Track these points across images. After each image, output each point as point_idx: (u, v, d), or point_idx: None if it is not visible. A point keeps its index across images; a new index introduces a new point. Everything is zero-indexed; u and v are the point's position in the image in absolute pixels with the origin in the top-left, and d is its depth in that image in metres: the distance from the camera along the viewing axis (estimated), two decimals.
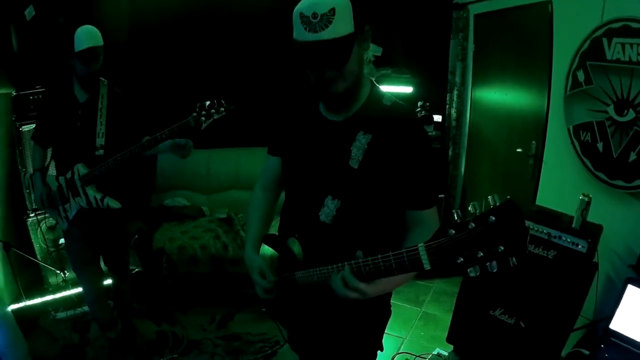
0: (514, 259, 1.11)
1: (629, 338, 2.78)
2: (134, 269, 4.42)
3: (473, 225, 1.15)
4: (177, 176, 4.67)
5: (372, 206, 1.74)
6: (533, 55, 4.06)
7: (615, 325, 2.86)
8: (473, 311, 3.38)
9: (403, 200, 1.71)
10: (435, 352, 3.60)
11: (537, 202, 3.86)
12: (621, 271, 3.19)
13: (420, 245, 1.28)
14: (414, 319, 4.19)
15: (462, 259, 1.18)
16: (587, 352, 2.79)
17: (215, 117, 2.83)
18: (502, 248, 1.11)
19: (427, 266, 1.28)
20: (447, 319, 3.63)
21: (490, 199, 1.21)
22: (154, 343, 3.71)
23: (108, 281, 3.75)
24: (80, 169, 2.98)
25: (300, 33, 1.51)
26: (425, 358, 3.57)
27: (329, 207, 1.76)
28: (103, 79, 3.08)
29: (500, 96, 4.65)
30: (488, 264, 1.14)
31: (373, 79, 1.84)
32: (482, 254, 1.14)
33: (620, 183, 3.16)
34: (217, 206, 4.60)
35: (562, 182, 3.75)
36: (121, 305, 3.68)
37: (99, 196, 3.00)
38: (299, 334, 2.22)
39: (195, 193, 4.71)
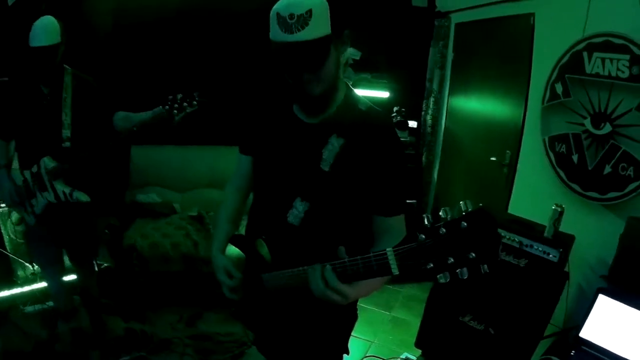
0: (485, 266, 1.07)
1: (599, 346, 2.72)
2: (104, 264, 4.22)
3: (444, 230, 1.11)
4: (151, 172, 4.50)
5: (341, 210, 1.67)
6: (512, 66, 4.01)
7: (586, 333, 2.79)
8: (442, 316, 3.29)
9: (371, 205, 1.65)
10: (403, 357, 3.49)
11: (510, 211, 3.80)
12: (592, 281, 3.15)
13: (388, 249, 1.22)
14: (383, 323, 4.08)
15: (431, 265, 1.13)
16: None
17: (188, 110, 2.69)
18: (474, 255, 1.07)
19: (395, 271, 1.22)
20: (416, 323, 3.53)
21: (462, 205, 1.13)
22: (123, 340, 3.54)
23: (73, 276, 3.58)
24: (47, 162, 2.77)
25: (276, 34, 1.45)
26: None
27: (298, 209, 1.69)
28: (67, 67, 2.85)
29: (477, 105, 4.59)
30: (458, 270, 1.10)
31: (350, 83, 1.76)
32: (452, 260, 1.10)
33: (594, 195, 3.11)
34: (190, 204, 4.44)
35: (535, 192, 3.70)
36: (89, 301, 3.47)
37: (67, 190, 2.80)
38: (264, 337, 2.12)
39: (169, 190, 4.55)
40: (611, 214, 3.10)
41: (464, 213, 1.11)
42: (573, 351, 2.77)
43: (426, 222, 1.16)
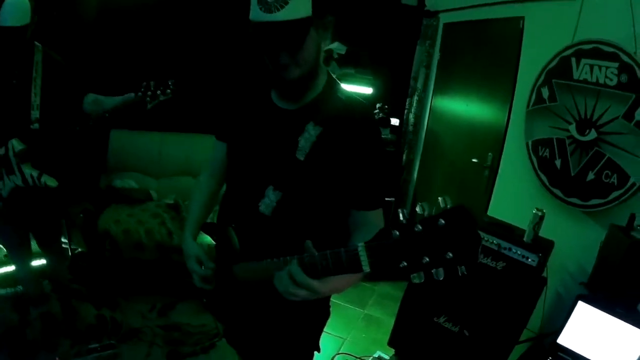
0: (462, 267, 1.01)
1: (577, 353, 2.65)
2: (78, 249, 4.09)
3: (420, 228, 1.04)
4: (128, 157, 4.35)
5: (315, 202, 1.59)
6: (499, 68, 3.93)
7: (563, 340, 2.71)
8: (417, 316, 3.20)
9: (348, 198, 1.58)
10: (376, 355, 3.39)
11: (490, 214, 3.72)
12: (571, 287, 3.09)
13: (360, 244, 1.14)
14: (356, 320, 3.98)
15: (405, 264, 1.06)
16: None
17: (162, 98, 2.59)
18: (451, 255, 1.01)
19: (366, 268, 1.15)
20: (390, 322, 3.45)
21: (441, 201, 1.05)
22: (93, 327, 3.40)
23: (43, 261, 3.44)
24: (15, 144, 2.60)
25: (255, 13, 1.39)
26: None
27: (270, 198, 1.60)
28: (38, 44, 2.68)
29: (461, 106, 4.50)
30: (434, 270, 1.04)
31: (334, 76, 1.68)
32: (427, 259, 1.03)
33: (576, 201, 3.05)
34: (166, 191, 4.29)
35: (516, 196, 3.63)
36: (59, 287, 3.38)
37: (35, 174, 2.64)
38: (234, 329, 2.04)
39: (145, 176, 4.39)
40: (592, 222, 3.05)
41: (442, 210, 1.03)
42: (550, 357, 2.69)
43: (402, 218, 1.09)
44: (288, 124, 1.59)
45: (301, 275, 1.29)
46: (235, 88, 1.81)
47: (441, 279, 1.03)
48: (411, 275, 1.06)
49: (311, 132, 1.55)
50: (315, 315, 1.86)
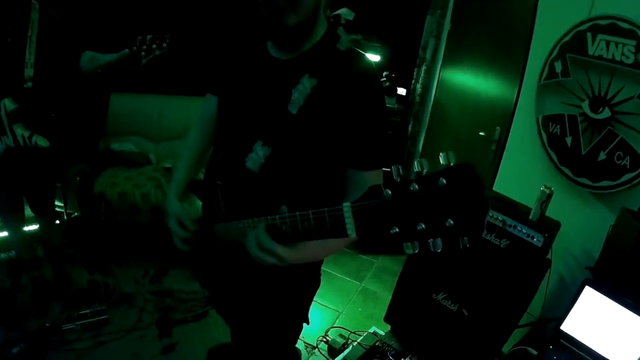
0: (465, 239, 0.82)
1: (580, 342, 2.49)
2: (74, 213, 3.95)
3: (416, 187, 0.85)
4: (128, 121, 4.18)
5: (307, 159, 1.45)
6: (510, 41, 3.68)
7: (567, 327, 2.55)
8: (415, 292, 3.04)
9: (343, 156, 1.42)
10: (371, 331, 3.24)
11: (495, 189, 3.55)
12: (575, 272, 2.93)
13: (345, 204, 0.98)
14: (353, 293, 3.83)
15: (397, 230, 0.88)
16: (535, 352, 2.51)
17: (157, 52, 2.43)
18: (452, 223, 0.81)
19: (351, 233, 0.98)
20: (387, 297, 3.30)
21: (442, 157, 0.86)
22: (85, 292, 3.31)
23: (35, 226, 3.31)
24: (8, 104, 2.46)
25: None
26: (361, 335, 3.20)
27: (258, 154, 1.47)
28: (34, 2, 2.50)
29: (470, 78, 4.25)
30: (431, 240, 0.85)
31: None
32: (423, 226, 0.84)
33: (586, 181, 2.87)
34: (165, 155, 4.12)
35: (522, 172, 3.42)
36: (51, 251, 3.26)
37: (26, 134, 2.51)
38: (219, 296, 1.94)
39: (144, 140, 4.22)
40: (601, 204, 2.86)
41: (444, 168, 0.84)
42: (551, 345, 2.53)
43: (395, 176, 0.91)
44: (281, 75, 1.46)
45: (267, 240, 1.18)
46: (230, 39, 1.66)
47: (438, 251, 0.85)
48: (404, 244, 0.88)
49: (306, 84, 1.40)
50: (303, 284, 1.74)
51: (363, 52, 1.47)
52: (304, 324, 1.82)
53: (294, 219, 1.11)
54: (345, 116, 1.36)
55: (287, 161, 1.45)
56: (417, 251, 0.87)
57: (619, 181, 2.70)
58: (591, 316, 2.48)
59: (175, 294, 3.40)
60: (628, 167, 2.66)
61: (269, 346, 1.82)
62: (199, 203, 1.71)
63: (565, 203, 2.90)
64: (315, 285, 1.77)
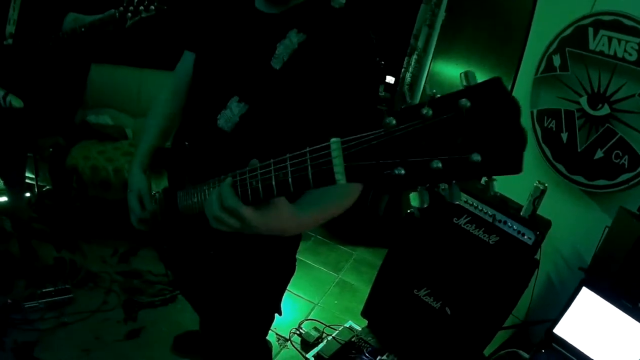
0: (494, 183, 0.60)
1: (573, 346, 2.27)
2: (45, 187, 3.69)
3: (430, 112, 0.60)
4: (107, 92, 3.90)
5: (285, 121, 1.25)
6: (507, 33, 3.48)
7: (560, 330, 2.33)
8: (395, 287, 2.80)
9: (326, 123, 1.16)
10: (347, 325, 2.98)
11: (483, 182, 3.33)
12: (564, 273, 2.73)
13: (334, 140, 0.73)
14: (329, 285, 3.56)
15: (402, 171, 0.63)
16: (526, 355, 2.29)
17: (144, 15, 2.23)
18: (479, 158, 0.57)
19: (340, 177, 0.72)
20: (365, 291, 3.07)
21: (462, 77, 0.62)
22: (51, 269, 3.03)
23: (4, 198, 3.06)
24: None
25: None
26: (336, 330, 2.95)
27: (232, 111, 1.28)
28: None
29: (462, 69, 4.02)
30: (444, 186, 0.62)
31: None
32: (440, 165, 0.60)
33: (580, 179, 2.67)
34: (142, 130, 3.84)
35: None
36: (19, 225, 3.01)
37: (1, 93, 2.29)
38: (184, 280, 1.72)
39: (122, 113, 3.95)
40: (595, 204, 2.67)
41: (466, 87, 0.61)
42: (543, 349, 2.30)
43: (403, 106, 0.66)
44: (267, 28, 1.26)
45: (230, 196, 0.93)
46: None
47: (456, 202, 0.62)
48: (411, 194, 0.66)
49: (293, 39, 1.21)
50: (276, 270, 1.53)
51: (359, 14, 1.26)
52: (276, 315, 1.60)
53: (267, 170, 0.86)
54: (332, 78, 1.17)
55: (263, 122, 1.26)
56: (425, 204, 0.65)
57: (616, 181, 2.53)
58: (587, 319, 2.26)
59: (144, 276, 3.12)
60: (626, 166, 2.48)
61: (238, 336, 1.59)
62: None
63: (557, 201, 2.70)
64: (290, 272, 1.56)
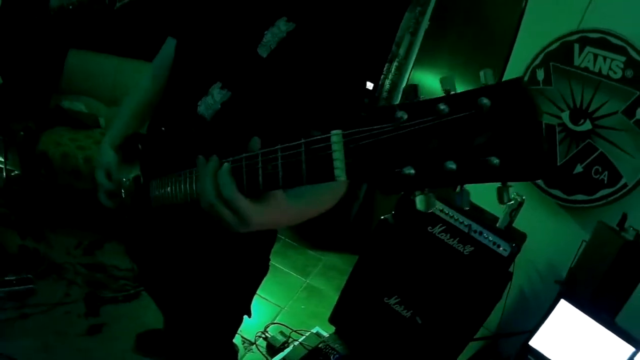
0: (509, 189, 0.54)
1: (549, 359, 2.19)
2: (14, 172, 3.51)
3: (446, 109, 0.55)
4: (83, 79, 3.74)
5: (269, 111, 1.14)
6: (491, 45, 3.42)
7: (536, 342, 2.24)
8: (365, 294, 2.67)
9: (311, 116, 1.09)
10: (314, 331, 2.86)
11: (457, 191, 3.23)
12: (537, 286, 2.66)
13: (335, 132, 0.64)
14: (297, 289, 3.42)
15: (412, 171, 0.56)
16: None
17: None
18: (497, 162, 0.51)
19: (340, 174, 0.63)
20: (333, 297, 2.94)
21: (482, 75, 0.57)
22: (14, 258, 2.85)
23: None
24: None
25: None
26: (303, 335, 2.82)
27: (214, 98, 1.17)
28: None
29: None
30: (458, 191, 0.57)
31: None
32: (454, 166, 0.54)
33: (558, 193, 2.60)
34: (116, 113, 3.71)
35: None
36: None
37: None
38: (149, 274, 1.54)
39: (96, 101, 3.78)
40: (571, 218, 2.61)
41: (484, 85, 0.55)
42: None
43: (412, 98, 0.59)
44: (254, 15, 1.17)
45: (230, 186, 0.80)
46: None
47: (466, 208, 0.62)
48: (416, 195, 0.58)
49: (282, 27, 1.13)
50: (249, 269, 1.40)
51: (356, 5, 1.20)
52: (245, 317, 1.47)
53: (273, 157, 0.75)
54: (320, 70, 1.11)
55: (245, 110, 1.16)
56: (431, 207, 0.58)
57: (594, 196, 2.47)
58: (563, 332, 2.18)
59: (108, 270, 2.95)
60: (606, 182, 2.43)
61: (204, 337, 1.45)
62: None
63: (532, 214, 2.62)
64: (262, 272, 1.44)
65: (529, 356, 2.23)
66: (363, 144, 0.61)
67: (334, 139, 0.64)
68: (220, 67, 1.19)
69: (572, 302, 2.16)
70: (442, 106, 0.54)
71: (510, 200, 0.55)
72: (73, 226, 3.26)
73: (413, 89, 0.59)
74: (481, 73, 0.57)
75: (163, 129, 1.25)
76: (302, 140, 0.68)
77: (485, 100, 0.52)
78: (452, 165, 0.53)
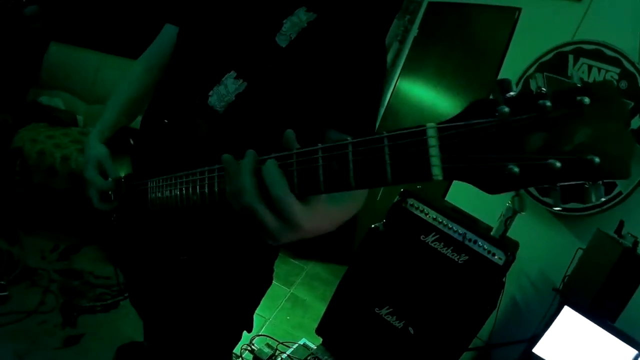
0: (602, 188, 0.51)
1: None
2: None
3: (548, 104, 0.50)
4: (62, 74, 3.53)
5: (286, 105, 1.02)
6: (481, 57, 3.34)
7: (540, 350, 2.15)
8: (355, 304, 2.51)
9: (329, 112, 0.99)
10: (301, 343, 2.69)
11: (447, 199, 3.11)
12: (530, 295, 2.58)
13: (430, 125, 0.56)
14: (281, 299, 3.24)
15: (516, 168, 0.51)
16: None
17: None
18: (597, 161, 0.49)
19: (438, 172, 0.55)
20: (318, 307, 2.83)
21: (532, 83, 0.53)
22: None
23: None
24: None
25: None
26: (289, 347, 2.65)
27: (228, 89, 1.03)
28: None
29: (430, 90, 3.81)
30: (558, 188, 0.53)
31: None
32: (559, 165, 0.49)
33: (551, 202, 2.55)
34: (94, 119, 3.45)
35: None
36: None
37: None
38: (138, 284, 1.34)
39: (76, 98, 3.58)
40: (564, 227, 2.52)
41: (575, 85, 0.50)
42: None
43: (511, 93, 0.52)
44: (272, 2, 1.05)
45: (281, 185, 0.66)
46: None
47: (558, 208, 0.51)
48: (515, 198, 0.56)
49: (302, 17, 1.02)
50: (254, 280, 1.24)
51: None
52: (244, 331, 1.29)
53: (342, 152, 0.62)
54: (341, 63, 1.00)
55: (261, 103, 1.03)
56: (525, 210, 0.57)
57: (589, 204, 2.39)
58: (566, 338, 2.10)
59: (85, 277, 2.72)
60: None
61: (200, 354, 1.25)
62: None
63: (525, 223, 2.51)
64: (267, 283, 1.29)
65: None
66: (461, 139, 0.54)
67: (430, 132, 0.55)
68: (234, 55, 1.05)
69: (576, 308, 2.08)
70: (543, 102, 0.50)
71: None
72: (48, 228, 3.02)
73: (507, 83, 0.54)
74: (531, 81, 0.54)
75: (166, 121, 1.08)
76: (385, 134, 0.58)
77: (586, 99, 0.49)
78: (557, 164, 0.49)
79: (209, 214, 0.91)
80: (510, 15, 3.19)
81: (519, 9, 3.16)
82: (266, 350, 2.57)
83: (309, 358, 2.53)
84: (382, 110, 4.34)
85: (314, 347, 2.67)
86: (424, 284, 2.34)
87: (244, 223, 0.69)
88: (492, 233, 2.29)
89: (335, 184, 0.63)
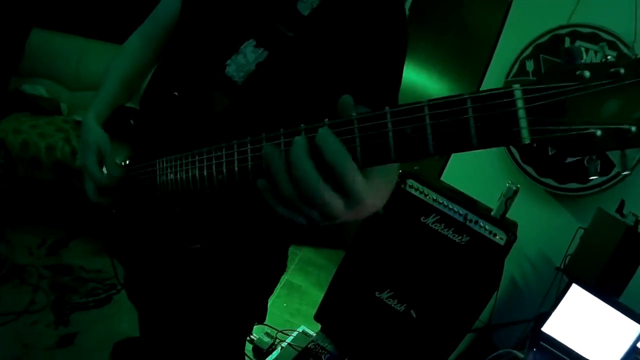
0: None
1: (562, 343, 2.08)
2: None
3: (622, 71, 0.50)
4: (44, 61, 3.37)
5: (307, 76, 0.93)
6: (475, 38, 3.29)
7: (549, 328, 2.11)
8: (355, 288, 2.44)
9: (351, 82, 0.88)
10: (300, 330, 2.62)
11: (443, 179, 3.05)
12: (529, 275, 2.56)
13: (516, 87, 0.52)
14: (277, 286, 3.23)
15: (599, 132, 0.50)
16: (521, 355, 2.06)
17: None
18: None
19: (525, 135, 0.52)
20: (314, 293, 2.79)
21: (599, 47, 0.58)
22: None
23: None
24: None
25: None
26: (289, 335, 2.58)
27: (247, 58, 0.94)
28: None
29: (421, 76, 3.70)
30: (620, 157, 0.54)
31: None
32: (635, 129, 0.49)
33: (550, 182, 2.47)
34: (78, 107, 3.31)
35: (477, 166, 2.96)
36: None
37: None
38: (140, 277, 1.23)
39: (59, 85, 3.41)
40: (562, 207, 2.50)
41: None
42: (534, 348, 2.08)
43: (582, 58, 0.53)
44: None
45: (345, 155, 0.58)
46: None
47: (625, 172, 0.57)
48: (591, 164, 0.55)
49: None
50: (269, 266, 1.15)
51: None
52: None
53: (419, 114, 0.56)
54: (364, 34, 0.92)
55: (283, 74, 0.94)
56: (597, 174, 0.56)
57: (587, 184, 2.37)
58: (574, 316, 2.08)
59: (75, 272, 2.59)
60: (598, 171, 2.34)
61: (208, 349, 1.13)
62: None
63: (524, 203, 2.45)
64: (281, 269, 1.21)
65: (542, 342, 2.10)
66: (546, 102, 0.52)
67: (517, 94, 0.52)
68: (252, 22, 0.96)
69: (584, 286, 2.06)
70: (615, 69, 0.50)
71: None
72: (34, 222, 2.88)
73: (578, 50, 0.55)
74: (598, 50, 0.65)
75: (176, 94, 0.97)
76: (467, 95, 0.54)
77: None
78: (632, 128, 0.49)
79: (234, 196, 0.82)
80: None
81: None
82: (266, 339, 2.49)
83: (310, 345, 2.45)
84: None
85: (313, 334, 2.59)
86: (425, 266, 2.28)
87: (292, 209, 0.61)
88: (492, 213, 2.25)
89: (409, 151, 0.57)
